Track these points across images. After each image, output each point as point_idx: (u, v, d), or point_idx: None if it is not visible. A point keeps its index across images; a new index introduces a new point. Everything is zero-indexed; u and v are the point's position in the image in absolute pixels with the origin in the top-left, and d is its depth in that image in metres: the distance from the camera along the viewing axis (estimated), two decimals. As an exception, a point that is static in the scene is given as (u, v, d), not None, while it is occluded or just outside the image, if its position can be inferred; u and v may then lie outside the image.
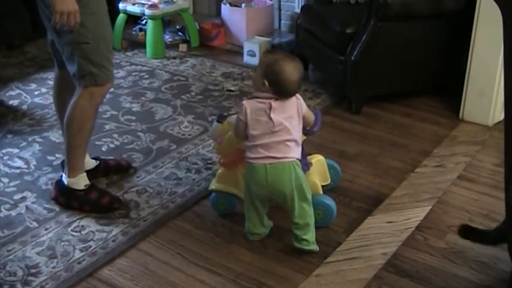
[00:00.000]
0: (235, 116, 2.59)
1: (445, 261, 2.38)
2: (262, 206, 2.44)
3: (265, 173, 2.32)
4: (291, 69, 2.31)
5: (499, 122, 3.43)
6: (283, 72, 2.30)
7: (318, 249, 2.44)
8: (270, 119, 2.31)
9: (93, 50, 2.50)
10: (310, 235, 2.42)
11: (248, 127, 2.35)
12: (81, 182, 2.72)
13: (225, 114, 2.72)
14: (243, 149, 2.44)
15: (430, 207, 2.70)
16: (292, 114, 2.34)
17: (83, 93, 2.56)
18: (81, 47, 2.48)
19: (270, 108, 2.31)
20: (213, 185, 2.64)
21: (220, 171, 2.64)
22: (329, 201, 2.57)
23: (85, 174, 2.75)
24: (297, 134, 2.36)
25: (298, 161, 2.36)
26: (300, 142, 2.39)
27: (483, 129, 3.42)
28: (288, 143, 2.33)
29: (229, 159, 2.56)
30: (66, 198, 2.74)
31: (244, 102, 2.37)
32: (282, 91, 2.32)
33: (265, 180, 2.33)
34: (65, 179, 2.73)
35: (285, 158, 2.32)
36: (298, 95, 2.38)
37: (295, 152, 2.35)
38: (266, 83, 2.32)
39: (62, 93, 2.77)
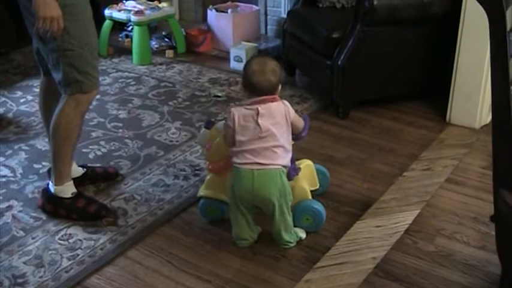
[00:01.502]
0: (223, 122, 2.60)
1: (435, 264, 2.38)
2: (248, 211, 2.44)
3: (252, 179, 2.32)
4: (253, 63, 2.40)
5: (486, 125, 3.45)
6: (246, 67, 2.40)
7: (304, 236, 2.51)
8: (258, 124, 2.32)
9: (79, 57, 2.48)
10: (290, 236, 2.46)
11: (236, 133, 2.35)
12: (68, 190, 2.70)
13: (213, 120, 2.71)
14: (230, 155, 2.43)
15: (418, 211, 2.71)
16: (279, 121, 2.35)
17: (69, 100, 2.54)
18: (67, 54, 2.46)
19: (258, 114, 2.32)
20: (202, 192, 2.62)
21: (208, 177, 2.63)
22: (318, 206, 2.57)
23: (72, 182, 2.73)
24: (285, 140, 2.37)
25: (284, 169, 2.37)
26: (290, 148, 2.40)
27: (470, 132, 3.44)
28: (275, 149, 2.34)
29: (218, 165, 2.55)
30: (53, 207, 2.71)
31: (232, 109, 2.39)
32: (249, 86, 2.39)
33: (252, 186, 2.33)
34: (51, 187, 2.71)
35: (271, 164, 2.33)
36: (286, 101, 2.40)
37: (283, 159, 2.36)
38: (242, 86, 2.44)
39: (48, 100, 2.75)
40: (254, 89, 2.37)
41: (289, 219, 2.44)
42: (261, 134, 2.32)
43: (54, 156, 2.66)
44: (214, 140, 2.56)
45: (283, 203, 2.39)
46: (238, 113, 2.36)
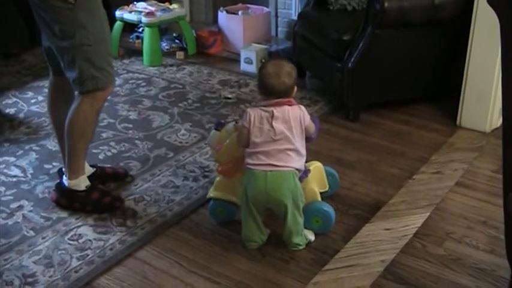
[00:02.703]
0: (233, 123, 2.61)
1: (444, 268, 2.37)
2: (259, 213, 2.44)
3: (265, 180, 2.33)
4: (269, 65, 2.41)
5: (497, 128, 3.43)
6: (261, 70, 2.41)
7: (313, 238, 2.51)
8: (272, 127, 2.33)
9: (95, 53, 2.51)
10: (300, 238, 2.47)
11: (251, 134, 2.36)
12: (82, 183, 2.74)
13: (223, 121, 2.72)
14: (241, 157, 2.44)
15: (428, 214, 2.70)
16: (294, 125, 2.36)
17: (85, 98, 2.57)
18: (84, 50, 2.48)
19: (272, 116, 2.34)
20: (211, 193, 2.63)
21: (218, 179, 2.63)
22: (328, 208, 2.57)
23: (85, 176, 2.77)
24: (298, 144, 2.38)
25: (297, 171, 2.37)
26: (304, 153, 2.41)
27: (480, 135, 3.42)
28: (289, 152, 2.35)
29: (228, 167, 2.56)
30: (67, 200, 2.75)
31: (249, 109, 2.41)
32: (264, 89, 2.40)
33: (264, 188, 2.34)
34: (65, 181, 2.75)
35: (285, 166, 2.33)
36: (302, 106, 2.41)
37: (296, 162, 2.37)
38: (258, 89, 2.46)
39: (57, 100, 2.77)
40: (269, 92, 2.38)
41: (301, 221, 2.45)
42: (275, 136, 2.33)
43: (69, 152, 2.68)
44: (224, 141, 2.56)
45: (296, 205, 2.39)
46: (254, 113, 2.37)
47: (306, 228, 2.52)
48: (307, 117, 2.41)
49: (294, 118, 2.37)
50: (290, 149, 2.35)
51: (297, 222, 2.43)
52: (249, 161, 2.38)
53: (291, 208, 2.37)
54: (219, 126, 2.64)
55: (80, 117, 2.59)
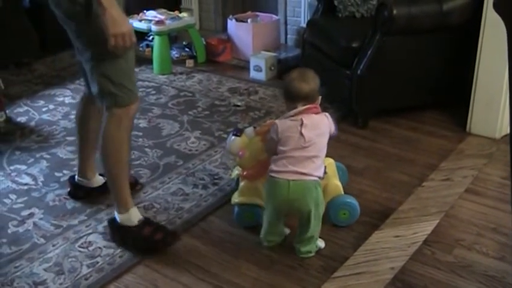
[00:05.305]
0: (251, 128, 2.64)
1: (453, 275, 2.36)
2: (281, 218, 2.48)
3: (288, 190, 2.35)
4: (292, 73, 2.47)
5: (506, 135, 3.42)
6: (286, 78, 2.48)
7: (323, 246, 2.52)
8: (302, 134, 2.35)
9: (113, 67, 2.41)
10: (312, 246, 2.48)
11: (278, 144, 2.39)
12: (133, 217, 2.59)
13: (241, 128, 2.74)
14: (266, 160, 2.48)
15: (437, 221, 2.69)
16: (323, 132, 2.40)
17: (110, 119, 2.47)
18: (100, 64, 2.40)
19: (302, 124, 2.36)
20: (237, 199, 2.65)
21: (242, 184, 2.65)
22: (351, 199, 2.64)
23: (135, 208, 2.63)
24: (323, 152, 2.41)
25: (320, 180, 2.40)
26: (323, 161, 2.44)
27: (490, 142, 3.41)
28: (315, 159, 2.37)
29: (254, 171, 2.59)
30: (120, 237, 2.62)
31: (277, 121, 2.43)
32: (289, 94, 2.43)
33: (287, 197, 2.36)
34: (117, 217, 2.60)
35: (309, 175, 2.36)
36: (327, 114, 2.45)
37: (319, 171, 2.40)
38: (284, 99, 2.50)
39: (86, 112, 2.75)
40: (296, 96, 2.41)
41: (318, 229, 2.46)
42: (305, 144, 2.35)
43: (111, 181, 2.57)
44: (246, 146, 2.58)
45: (317, 214, 2.41)
46: (282, 125, 2.39)
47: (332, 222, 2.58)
48: (333, 125, 2.46)
49: (322, 125, 2.41)
50: (316, 157, 2.38)
51: (315, 230, 2.45)
52: (273, 167, 2.39)
53: (312, 216, 2.39)
54: (238, 132, 2.66)
55: (110, 143, 2.48)
